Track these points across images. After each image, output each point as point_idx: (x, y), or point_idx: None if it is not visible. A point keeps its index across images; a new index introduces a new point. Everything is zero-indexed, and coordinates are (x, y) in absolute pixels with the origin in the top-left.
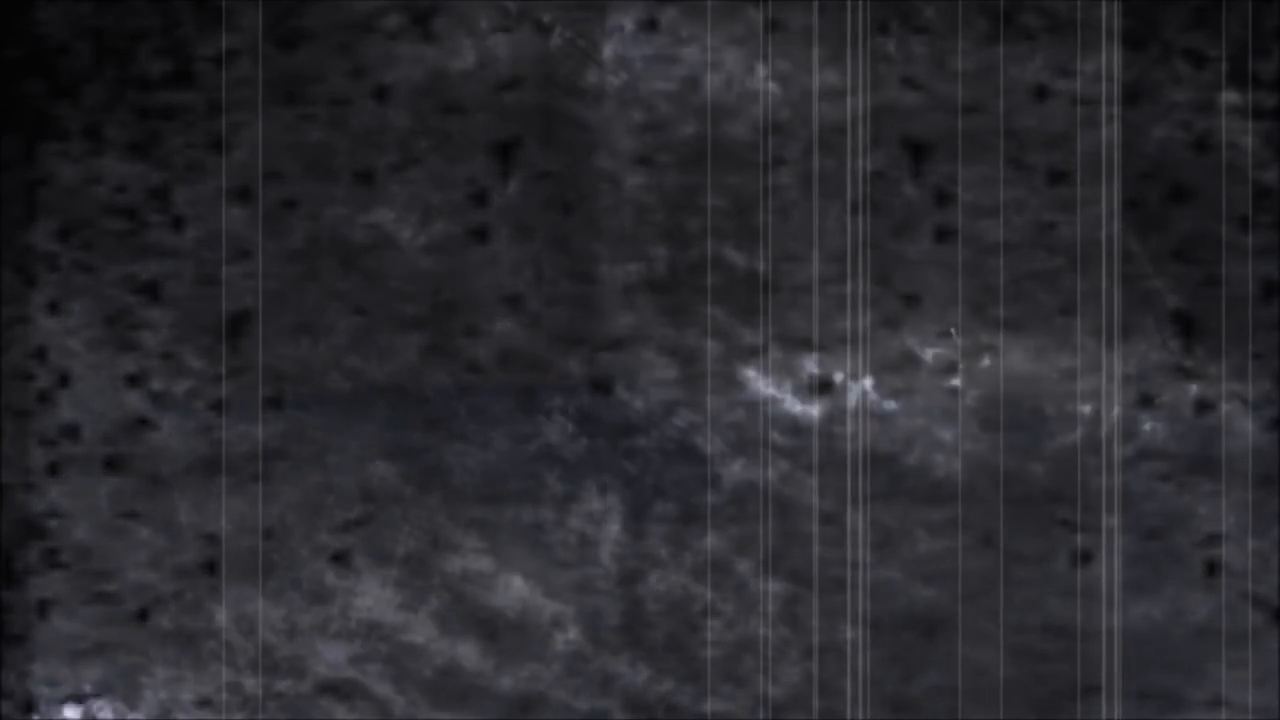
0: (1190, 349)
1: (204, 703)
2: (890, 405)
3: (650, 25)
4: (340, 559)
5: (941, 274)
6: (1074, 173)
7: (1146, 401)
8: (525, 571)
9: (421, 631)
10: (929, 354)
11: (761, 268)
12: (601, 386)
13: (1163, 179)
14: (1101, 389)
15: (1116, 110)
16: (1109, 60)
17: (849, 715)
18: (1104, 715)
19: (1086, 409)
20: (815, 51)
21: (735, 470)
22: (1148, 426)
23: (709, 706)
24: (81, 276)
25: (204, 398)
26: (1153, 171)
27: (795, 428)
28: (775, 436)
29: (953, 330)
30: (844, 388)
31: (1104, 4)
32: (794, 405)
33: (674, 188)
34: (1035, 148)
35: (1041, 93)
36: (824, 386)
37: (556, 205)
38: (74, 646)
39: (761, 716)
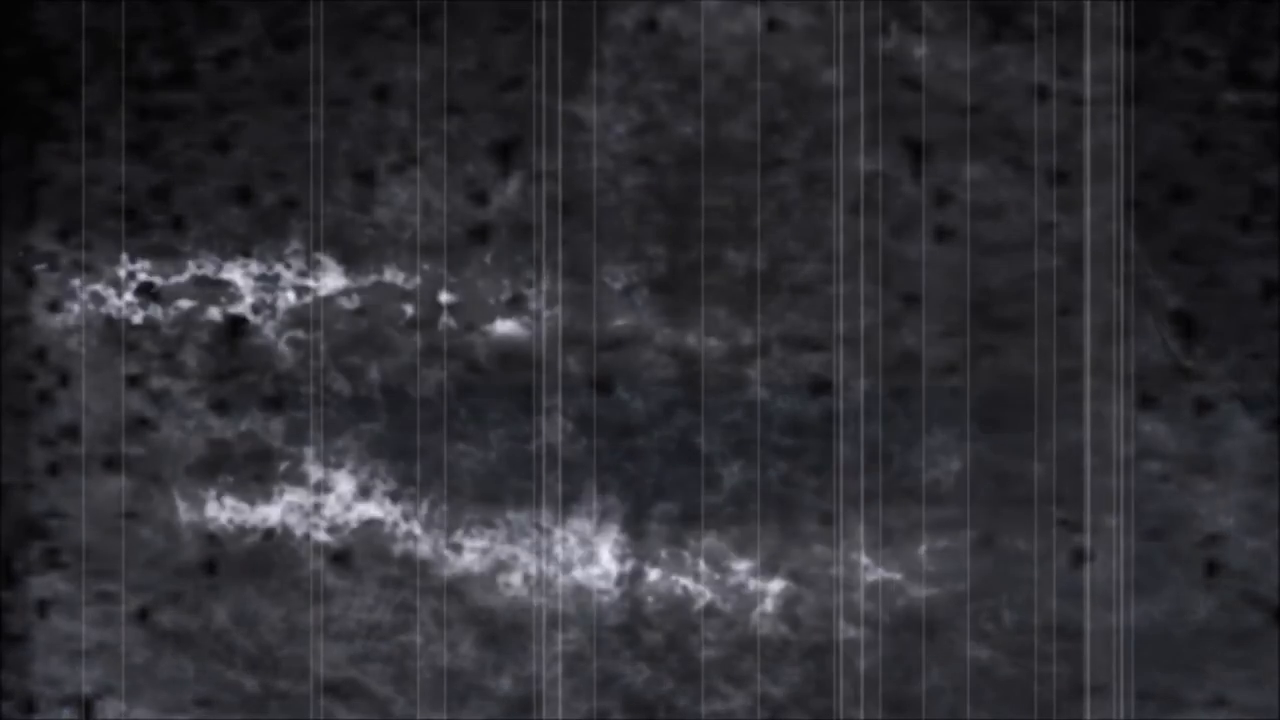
0: (1190, 349)
1: (204, 703)
2: None
3: (650, 25)
4: (340, 559)
5: (941, 274)
6: (1074, 173)
7: (1147, 401)
8: (525, 571)
9: (421, 632)
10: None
11: (760, 267)
12: (601, 386)
13: (1163, 179)
14: (1103, 388)
15: (1119, 109)
16: (1109, 60)
17: (849, 715)
18: (1104, 715)
19: (1086, 409)
20: (827, 50)
21: (735, 470)
22: (1147, 428)
23: (708, 706)
24: (82, 276)
25: (204, 398)
26: (1153, 171)
27: (795, 428)
28: (775, 437)
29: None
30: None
31: (1104, 4)
32: (793, 405)
33: (674, 188)
34: (1035, 148)
35: (1041, 93)
36: (823, 386)
37: (556, 205)
38: (74, 646)
39: (761, 717)
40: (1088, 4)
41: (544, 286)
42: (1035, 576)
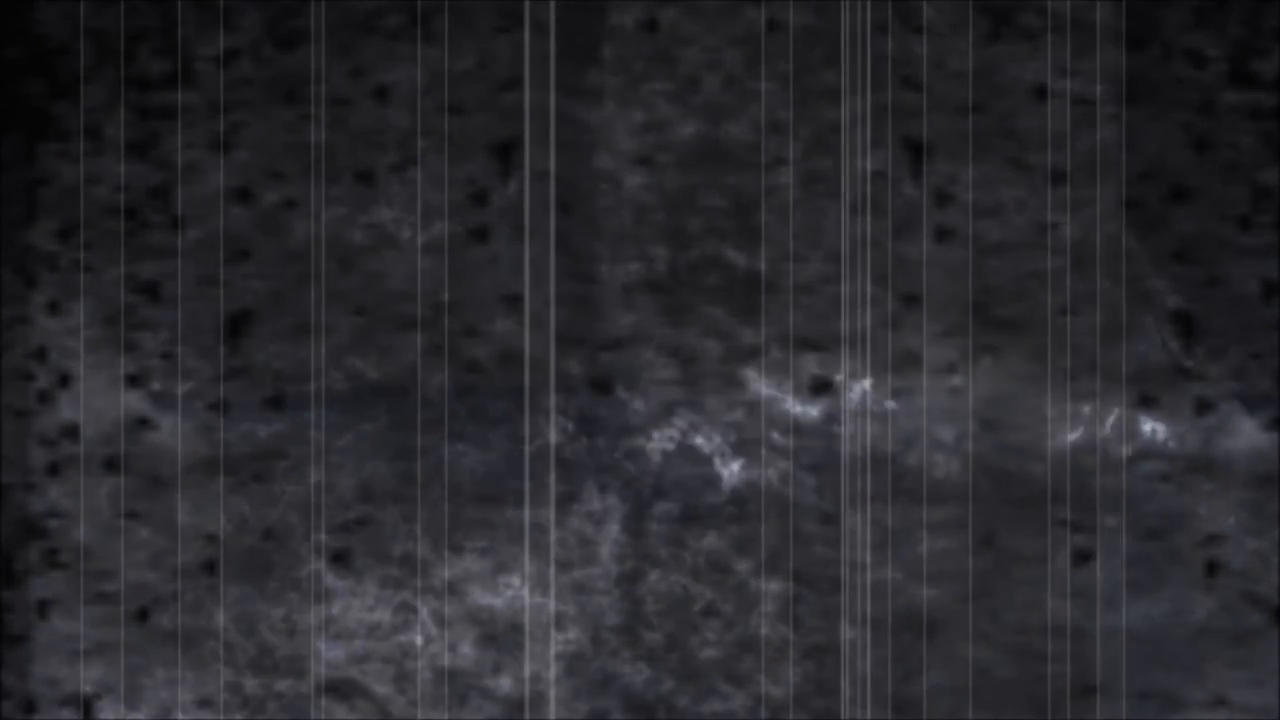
0: (1190, 349)
1: (204, 703)
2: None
3: (650, 25)
4: (340, 559)
5: (941, 274)
6: (1075, 173)
7: (1147, 401)
8: (525, 571)
9: (421, 632)
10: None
11: (763, 268)
12: (601, 386)
13: (1163, 179)
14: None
15: (1122, 111)
16: (1109, 60)
17: (849, 715)
18: (1104, 715)
19: (1086, 409)
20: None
21: (735, 470)
22: (1147, 428)
23: (708, 706)
24: (81, 276)
25: (204, 398)
26: (1153, 171)
27: (796, 428)
28: (775, 437)
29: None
30: (844, 387)
31: (1103, 4)
32: (794, 405)
33: (674, 188)
34: (1035, 148)
35: (1041, 93)
36: (824, 386)
37: (557, 205)
38: (74, 646)
39: (761, 716)
40: (1098, 4)
41: (543, 286)
42: (1035, 577)
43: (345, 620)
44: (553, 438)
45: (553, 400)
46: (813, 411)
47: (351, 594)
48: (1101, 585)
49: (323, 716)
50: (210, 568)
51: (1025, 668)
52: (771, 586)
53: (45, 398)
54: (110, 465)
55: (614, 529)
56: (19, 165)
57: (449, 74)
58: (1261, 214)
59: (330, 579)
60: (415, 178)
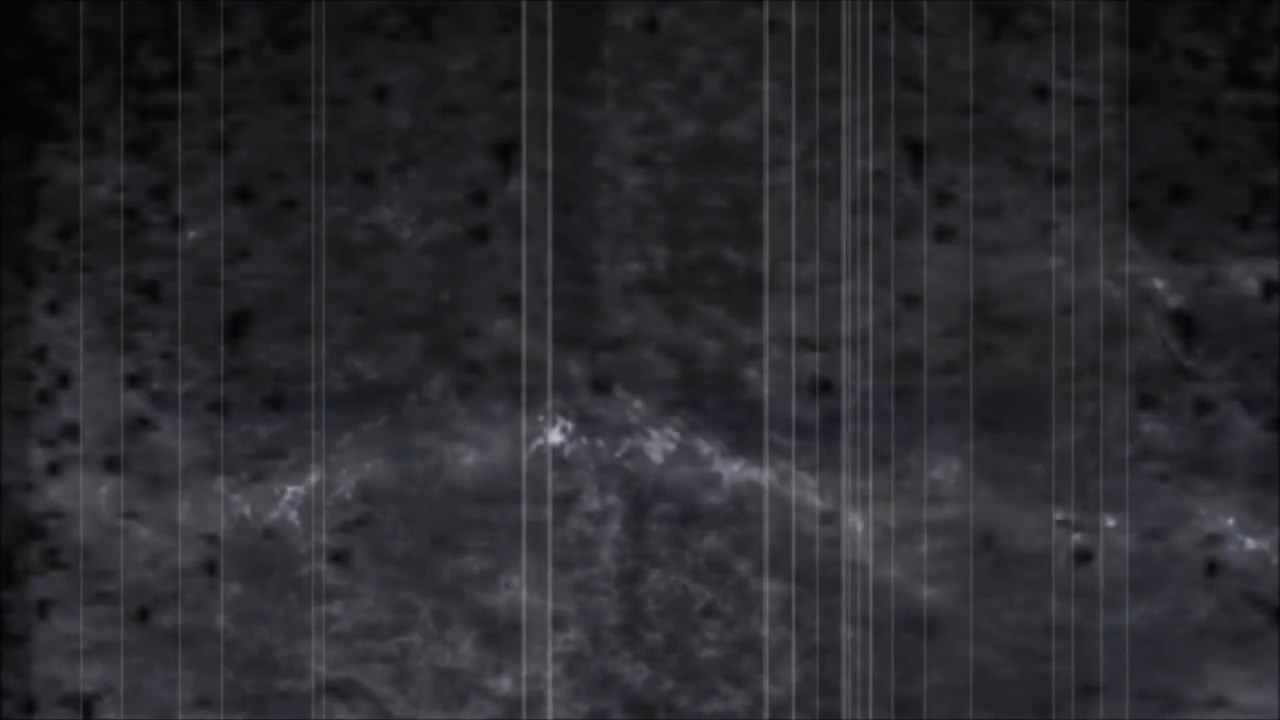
0: (1190, 349)
1: (204, 703)
2: None
3: (650, 25)
4: (340, 559)
5: (942, 274)
6: (1076, 173)
7: (1147, 401)
8: (524, 571)
9: (421, 631)
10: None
11: (764, 268)
12: (601, 386)
13: (1163, 179)
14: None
15: (1125, 110)
16: (1109, 60)
17: (849, 715)
18: (1104, 715)
19: (1087, 409)
20: (816, 51)
21: (735, 470)
22: (1147, 428)
23: (708, 706)
24: (81, 276)
25: (204, 398)
26: (1153, 171)
27: (795, 428)
28: (775, 437)
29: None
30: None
31: (1104, 4)
32: (794, 405)
33: (674, 188)
34: (1035, 148)
35: (1041, 93)
36: (824, 386)
37: (557, 205)
38: (74, 646)
39: (761, 717)
40: (1099, 4)
41: (543, 287)
42: (1035, 577)
43: (345, 620)
44: (552, 438)
45: (550, 400)
46: (813, 411)
47: (351, 594)
48: (1102, 585)
49: (323, 716)
50: (210, 568)
51: (1026, 668)
52: (772, 586)
53: (45, 398)
54: (110, 465)
55: (614, 529)
56: (19, 165)
57: (449, 74)
58: (1261, 214)
59: (330, 579)
60: (415, 178)
